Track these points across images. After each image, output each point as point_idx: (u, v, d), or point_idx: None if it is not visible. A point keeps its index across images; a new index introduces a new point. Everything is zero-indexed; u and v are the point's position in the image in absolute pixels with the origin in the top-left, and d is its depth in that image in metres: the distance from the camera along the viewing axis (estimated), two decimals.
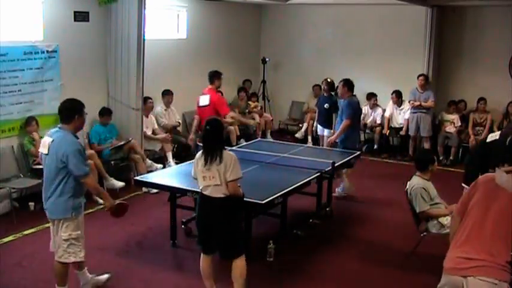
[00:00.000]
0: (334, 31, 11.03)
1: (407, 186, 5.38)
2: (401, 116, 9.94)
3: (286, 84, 11.62)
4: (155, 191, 7.02)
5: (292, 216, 6.05)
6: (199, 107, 7.79)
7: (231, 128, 8.56)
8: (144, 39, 7.63)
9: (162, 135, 8.57)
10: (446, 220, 5.07)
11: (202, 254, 4.52)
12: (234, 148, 7.03)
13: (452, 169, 8.82)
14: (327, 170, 6.06)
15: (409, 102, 9.63)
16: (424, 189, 5.18)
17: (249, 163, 6.13)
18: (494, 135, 5.33)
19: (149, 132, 8.44)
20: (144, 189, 7.28)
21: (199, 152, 4.42)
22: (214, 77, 7.69)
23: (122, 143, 7.66)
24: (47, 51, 7.15)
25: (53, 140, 4.28)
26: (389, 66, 10.32)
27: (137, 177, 6.08)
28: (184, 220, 6.01)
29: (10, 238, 5.88)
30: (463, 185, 5.28)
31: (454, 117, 9.63)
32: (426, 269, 5.04)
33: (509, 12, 9.11)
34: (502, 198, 3.27)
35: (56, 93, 7.19)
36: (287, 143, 8.46)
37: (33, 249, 5.51)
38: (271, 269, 5.29)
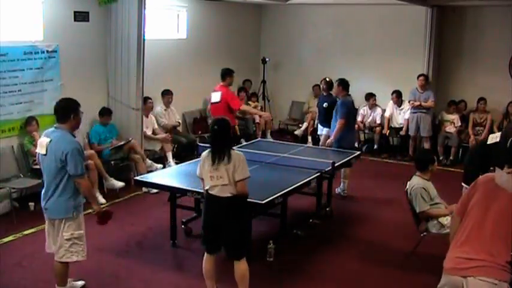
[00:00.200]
0: (334, 31, 11.03)
1: (407, 186, 5.37)
2: (402, 116, 9.94)
3: (286, 84, 11.62)
4: (155, 191, 7.01)
5: (292, 216, 6.04)
6: (211, 104, 7.81)
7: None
8: (144, 39, 7.64)
9: (162, 135, 8.57)
10: (446, 220, 5.07)
11: (206, 254, 4.50)
12: (233, 148, 7.00)
13: (452, 169, 8.81)
14: (327, 170, 6.06)
15: (409, 102, 9.62)
16: (424, 189, 5.18)
17: (249, 163, 5.94)
18: (495, 137, 5.33)
19: (149, 132, 8.44)
20: (144, 189, 7.28)
21: (206, 152, 4.40)
22: (227, 74, 7.70)
23: (122, 143, 7.65)
24: (47, 51, 7.15)
25: (50, 140, 4.26)
26: (389, 66, 10.32)
27: (137, 177, 6.06)
28: (184, 220, 6.01)
29: (10, 238, 5.88)
30: (463, 184, 5.30)
31: (454, 117, 9.62)
32: (426, 269, 5.04)
33: (509, 12, 9.11)
34: (502, 199, 3.27)
35: (56, 93, 7.18)
36: (287, 143, 8.47)
37: (33, 249, 5.50)
38: (271, 269, 5.29)
